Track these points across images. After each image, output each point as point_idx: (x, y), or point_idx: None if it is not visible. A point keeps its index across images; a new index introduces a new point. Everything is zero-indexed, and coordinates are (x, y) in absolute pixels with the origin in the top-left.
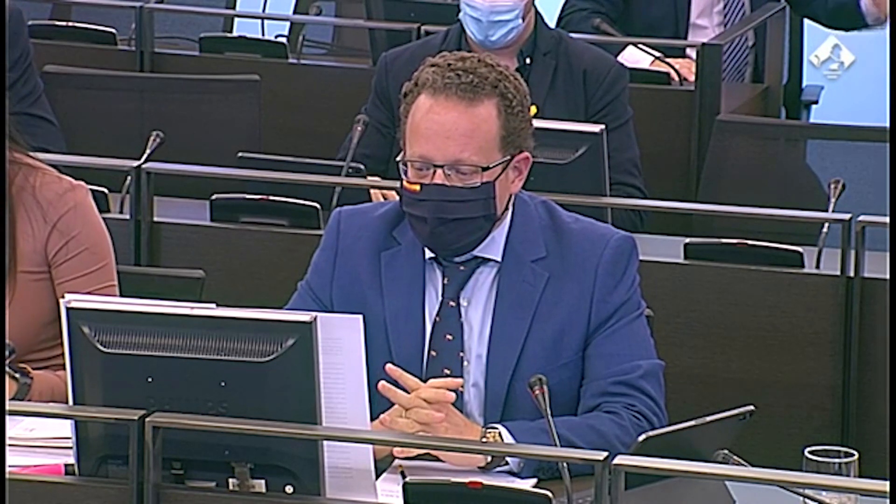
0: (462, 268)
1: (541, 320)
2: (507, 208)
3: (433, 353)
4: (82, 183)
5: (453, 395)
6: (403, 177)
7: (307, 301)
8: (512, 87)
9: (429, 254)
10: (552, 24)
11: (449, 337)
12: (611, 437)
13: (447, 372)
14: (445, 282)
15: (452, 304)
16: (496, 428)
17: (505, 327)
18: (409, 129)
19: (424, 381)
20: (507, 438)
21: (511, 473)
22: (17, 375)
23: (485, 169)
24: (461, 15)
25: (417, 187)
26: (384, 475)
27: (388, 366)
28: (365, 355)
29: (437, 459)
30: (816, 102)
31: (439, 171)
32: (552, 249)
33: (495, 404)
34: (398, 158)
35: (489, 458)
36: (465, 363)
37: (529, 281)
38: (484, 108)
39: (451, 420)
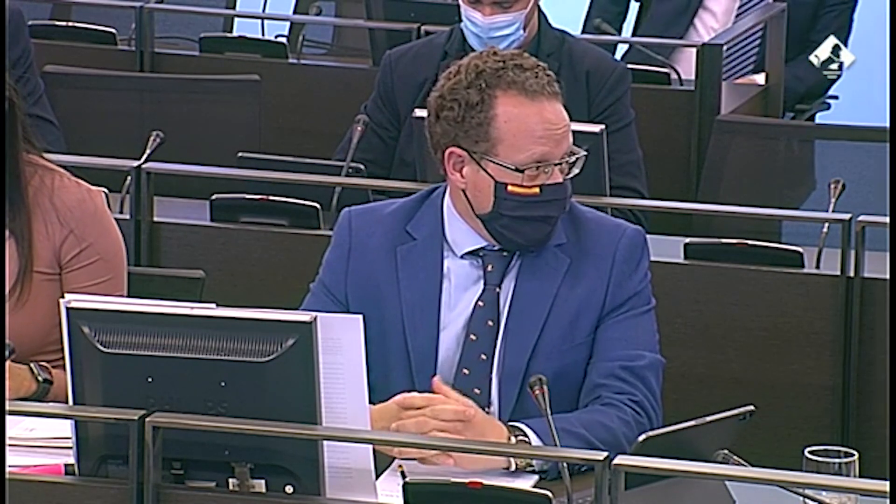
0: (505, 254)
1: (560, 302)
2: None
3: (472, 336)
4: (100, 189)
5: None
6: (508, 182)
7: (322, 300)
8: None
9: (467, 248)
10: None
11: (490, 323)
12: (619, 435)
13: (483, 357)
14: (489, 269)
15: (497, 290)
16: (519, 427)
17: (526, 307)
18: (511, 134)
19: (460, 365)
20: (535, 441)
21: (535, 472)
22: (40, 378)
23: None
24: (463, 25)
25: (537, 189)
26: (384, 475)
27: (436, 381)
28: (367, 354)
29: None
30: None
31: (556, 169)
32: (570, 237)
33: (513, 379)
34: (506, 163)
35: (513, 464)
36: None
37: (552, 264)
38: (561, 101)
39: (473, 429)
